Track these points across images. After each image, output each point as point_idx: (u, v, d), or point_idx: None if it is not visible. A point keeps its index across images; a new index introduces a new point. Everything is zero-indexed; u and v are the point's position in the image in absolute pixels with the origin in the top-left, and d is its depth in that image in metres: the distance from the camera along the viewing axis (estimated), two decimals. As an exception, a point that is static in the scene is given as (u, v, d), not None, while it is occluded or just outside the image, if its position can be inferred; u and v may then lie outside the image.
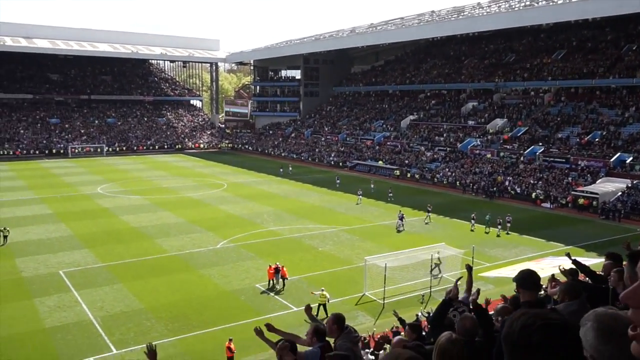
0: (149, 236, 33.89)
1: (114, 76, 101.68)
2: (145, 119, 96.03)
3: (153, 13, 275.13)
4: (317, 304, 21.51)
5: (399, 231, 35.71)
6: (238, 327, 20.47)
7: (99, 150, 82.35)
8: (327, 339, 5.85)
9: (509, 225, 35.98)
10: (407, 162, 61.87)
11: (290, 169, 64.27)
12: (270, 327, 6.33)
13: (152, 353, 4.99)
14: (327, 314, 21.38)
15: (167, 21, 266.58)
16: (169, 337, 19.86)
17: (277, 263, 25.82)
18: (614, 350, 1.64)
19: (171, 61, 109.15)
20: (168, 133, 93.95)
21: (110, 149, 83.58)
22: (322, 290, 22.66)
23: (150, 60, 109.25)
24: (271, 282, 25.05)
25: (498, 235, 35.13)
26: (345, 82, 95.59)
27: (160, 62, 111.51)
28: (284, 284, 24.98)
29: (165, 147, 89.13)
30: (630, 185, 42.44)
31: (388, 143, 69.43)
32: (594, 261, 26.77)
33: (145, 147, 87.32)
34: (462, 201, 46.79)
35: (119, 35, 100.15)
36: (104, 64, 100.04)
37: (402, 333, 10.10)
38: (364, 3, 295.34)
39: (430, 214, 39.04)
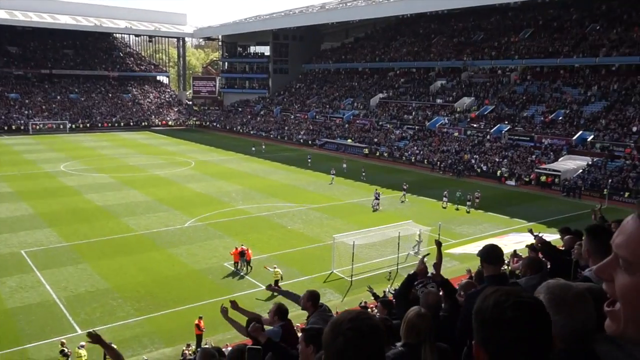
0: (115, 215, 33.30)
1: (77, 50, 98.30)
2: (110, 95, 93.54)
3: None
4: (274, 281, 21.81)
5: (375, 210, 35.86)
6: (207, 306, 20.40)
7: (61, 126, 79.90)
8: (288, 317, 5.89)
9: (477, 201, 36.94)
10: (376, 140, 62.13)
11: (264, 147, 63.49)
12: (234, 305, 6.33)
13: (95, 337, 4.87)
14: (275, 285, 21.81)
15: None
16: (136, 317, 19.69)
17: (242, 245, 25.24)
18: (566, 320, 1.70)
19: (136, 35, 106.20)
20: (134, 110, 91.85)
21: (74, 126, 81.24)
22: (275, 267, 22.80)
23: (114, 34, 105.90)
24: (237, 264, 24.52)
25: (468, 212, 35.85)
26: (315, 59, 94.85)
27: (125, 36, 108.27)
28: (249, 267, 24.42)
29: (131, 124, 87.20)
30: (590, 162, 43.68)
31: (357, 121, 69.52)
32: (555, 237, 27.55)
33: (110, 124, 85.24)
34: (430, 179, 47.38)
35: (81, 7, 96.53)
36: (66, 37, 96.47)
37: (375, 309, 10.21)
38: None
39: (405, 192, 39.42)
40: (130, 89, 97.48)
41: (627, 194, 38.83)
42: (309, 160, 53.47)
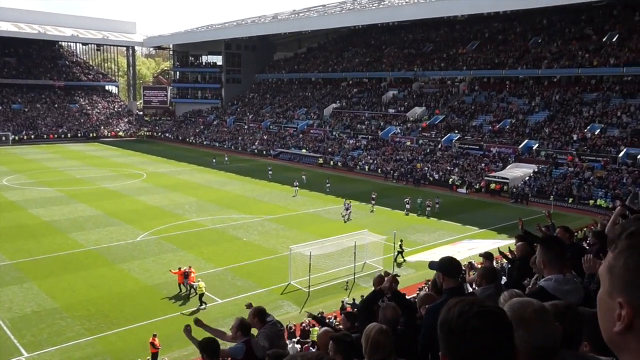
0: (63, 230, 32.07)
1: (19, 58, 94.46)
2: (56, 105, 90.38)
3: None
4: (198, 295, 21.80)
5: (346, 220, 35.79)
6: (161, 322, 19.92)
7: (3, 138, 76.47)
8: (251, 332, 5.81)
9: (437, 206, 38.39)
10: (330, 150, 62.54)
11: (226, 159, 61.66)
12: (198, 323, 6.19)
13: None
14: (201, 304, 21.59)
15: (79, 0, 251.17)
16: (86, 337, 18.96)
17: (188, 267, 23.60)
18: (524, 336, 1.73)
19: (83, 44, 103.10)
20: (82, 120, 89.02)
21: (17, 137, 77.97)
22: (200, 280, 22.38)
23: (60, 43, 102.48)
24: (181, 287, 22.93)
25: (428, 217, 37.18)
26: (268, 69, 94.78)
27: (72, 44, 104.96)
28: (190, 291, 22.76)
29: (79, 135, 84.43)
30: (536, 170, 45.40)
31: (311, 131, 69.81)
32: (505, 242, 28.40)
33: (56, 136, 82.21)
34: (385, 188, 47.98)
35: (24, 14, 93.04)
36: (7, 44, 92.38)
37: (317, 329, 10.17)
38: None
39: (374, 202, 39.64)
40: (78, 99, 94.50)
41: (570, 200, 40.55)
42: (270, 173, 52.28)
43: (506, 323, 1.48)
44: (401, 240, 28.07)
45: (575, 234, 23.29)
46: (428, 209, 37.90)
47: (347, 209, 36.69)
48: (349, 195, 42.19)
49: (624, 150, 43.07)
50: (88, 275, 24.91)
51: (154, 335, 17.67)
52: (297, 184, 45.13)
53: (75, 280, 24.25)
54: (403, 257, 27.35)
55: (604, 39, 56.42)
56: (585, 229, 27.37)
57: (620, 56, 52.12)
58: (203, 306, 21.65)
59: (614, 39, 55.65)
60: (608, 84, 52.99)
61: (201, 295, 21.83)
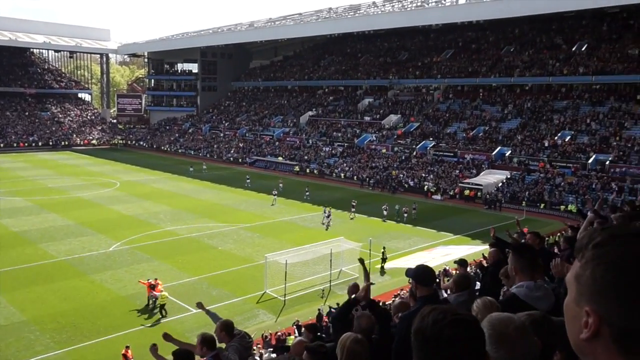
0: (32, 241, 31.28)
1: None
2: (27, 113, 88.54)
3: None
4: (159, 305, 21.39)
5: (327, 228, 35.74)
6: (134, 334, 19.53)
7: (-29, 147, 74.68)
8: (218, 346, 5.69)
9: (414, 212, 39.03)
10: (306, 157, 62.54)
11: (205, 167, 61.01)
12: (167, 337, 6.06)
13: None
14: (163, 314, 21.20)
15: (52, 7, 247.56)
16: (56, 350, 18.47)
17: (154, 279, 22.88)
18: (507, 355, 1.72)
19: (56, 51, 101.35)
20: (53, 129, 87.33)
21: (-15, 146, 76.13)
22: (162, 290, 21.85)
23: (32, 49, 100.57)
24: (150, 300, 22.20)
25: (404, 222, 37.81)
26: (244, 77, 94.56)
27: (44, 51, 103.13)
28: (154, 304, 21.93)
29: (51, 143, 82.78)
30: (509, 176, 46.12)
31: (287, 139, 69.76)
32: (479, 248, 28.71)
33: (27, 144, 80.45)
34: (361, 195, 48.07)
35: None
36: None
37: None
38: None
39: (354, 210, 39.63)
40: (50, 107, 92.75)
41: (542, 206, 41.26)
42: (248, 181, 51.59)
43: (479, 331, 1.50)
44: (384, 248, 28.22)
45: (547, 239, 23.70)
46: (405, 215, 38.43)
47: (328, 217, 36.68)
48: (326, 202, 42.19)
49: (593, 156, 44.07)
50: (58, 286, 24.32)
51: (127, 347, 17.32)
52: (276, 192, 44.74)
53: (45, 292, 23.64)
54: (382, 265, 27.40)
55: (573, 49, 57.86)
56: (559, 234, 27.84)
57: (589, 65, 53.48)
58: (163, 316, 21.24)
59: (583, 49, 57.12)
60: (578, 92, 54.26)
61: (162, 305, 21.30)
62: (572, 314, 1.12)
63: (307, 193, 46.04)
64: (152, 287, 22.29)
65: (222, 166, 65.71)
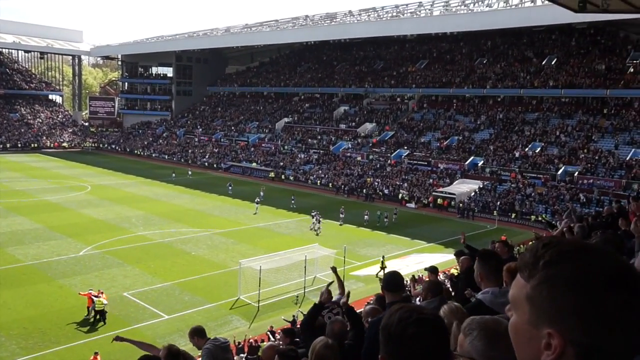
0: (-1, 245, 30.54)
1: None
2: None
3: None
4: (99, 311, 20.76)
5: (318, 233, 35.79)
6: (104, 340, 19.17)
7: None
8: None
9: (395, 216, 40.89)
10: (281, 164, 62.52)
11: (190, 173, 59.95)
12: (118, 339, 6.04)
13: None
14: (104, 321, 20.54)
15: (22, 6, 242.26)
16: (22, 356, 18.05)
17: (98, 291, 21.87)
18: (503, 354, 1.73)
19: (26, 51, 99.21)
20: (22, 130, 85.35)
21: (-49, 147, 73.95)
22: (101, 294, 21.07)
23: (0, 49, 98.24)
24: (89, 311, 21.24)
25: (386, 225, 39.10)
26: (220, 82, 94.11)
27: (14, 51, 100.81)
28: (96, 316, 20.95)
29: (19, 145, 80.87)
30: (481, 186, 46.90)
31: (263, 145, 69.64)
32: (451, 256, 29.06)
33: (-6, 146, 78.51)
34: (336, 202, 48.24)
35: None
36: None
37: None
38: (239, 3, 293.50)
39: (342, 216, 39.56)
40: (18, 108, 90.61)
41: (513, 215, 42.06)
42: (230, 188, 50.52)
43: (443, 331, 1.56)
44: (383, 257, 28.60)
45: (517, 248, 24.20)
46: (386, 220, 39.73)
47: (318, 221, 36.85)
48: (306, 209, 42.22)
49: (562, 168, 45.16)
50: (25, 291, 23.78)
51: (96, 354, 17.06)
52: (258, 200, 43.68)
53: (12, 296, 23.09)
54: (380, 271, 27.23)
55: (543, 62, 59.31)
56: (530, 243, 28.41)
57: (558, 78, 54.88)
58: (99, 321, 20.78)
59: (553, 62, 58.60)
60: (547, 105, 55.59)
61: (101, 311, 20.62)
62: (527, 335, 1.09)
63: (293, 201, 45.27)
64: (95, 297, 21.11)
65: (196, 171, 65.13)
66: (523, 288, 1.10)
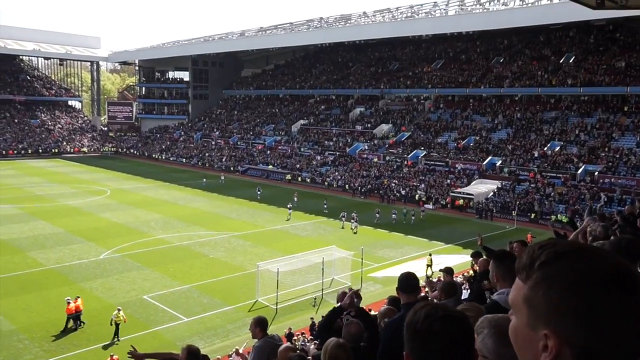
0: (21, 249, 31.08)
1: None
2: (16, 120, 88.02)
3: (25, 4, 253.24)
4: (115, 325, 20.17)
5: (355, 232, 37.13)
6: (124, 343, 19.40)
7: (-40, 154, 73.99)
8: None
9: (423, 213, 42.49)
10: (298, 166, 62.64)
11: (222, 179, 58.87)
12: (134, 354, 5.70)
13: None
14: (118, 336, 19.96)
15: (42, 14, 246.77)
16: (45, 359, 18.34)
17: (75, 298, 21.29)
18: (513, 352, 1.78)
19: (46, 58, 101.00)
20: (43, 136, 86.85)
21: (-26, 154, 75.46)
22: (119, 310, 20.51)
23: (21, 57, 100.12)
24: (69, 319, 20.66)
25: (412, 224, 39.92)
26: (235, 86, 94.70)
27: (34, 58, 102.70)
28: (76, 323, 20.71)
29: (40, 151, 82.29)
30: (500, 186, 46.45)
31: (279, 147, 69.87)
32: (469, 258, 28.79)
33: (16, 152, 79.90)
34: (353, 204, 48.11)
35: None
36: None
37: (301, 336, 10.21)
38: (254, 6, 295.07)
39: (357, 222, 38.45)
40: (39, 114, 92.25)
41: (533, 215, 41.57)
42: (259, 192, 50.00)
43: (468, 327, 1.59)
44: (430, 254, 29.05)
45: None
46: (413, 218, 40.70)
47: (355, 220, 37.74)
48: (319, 212, 42.23)
49: (582, 167, 44.52)
50: (48, 295, 24.17)
51: (112, 356, 17.24)
52: (291, 206, 42.73)
53: (34, 300, 23.49)
54: (430, 271, 27.20)
55: (561, 60, 58.59)
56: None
57: (577, 76, 54.16)
58: (78, 326, 20.65)
59: (571, 60, 57.86)
60: (566, 103, 54.86)
61: (117, 324, 20.09)
62: (526, 338, 1.09)
63: (326, 205, 44.64)
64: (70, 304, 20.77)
65: (214, 174, 65.51)
66: (521, 290, 1.10)
